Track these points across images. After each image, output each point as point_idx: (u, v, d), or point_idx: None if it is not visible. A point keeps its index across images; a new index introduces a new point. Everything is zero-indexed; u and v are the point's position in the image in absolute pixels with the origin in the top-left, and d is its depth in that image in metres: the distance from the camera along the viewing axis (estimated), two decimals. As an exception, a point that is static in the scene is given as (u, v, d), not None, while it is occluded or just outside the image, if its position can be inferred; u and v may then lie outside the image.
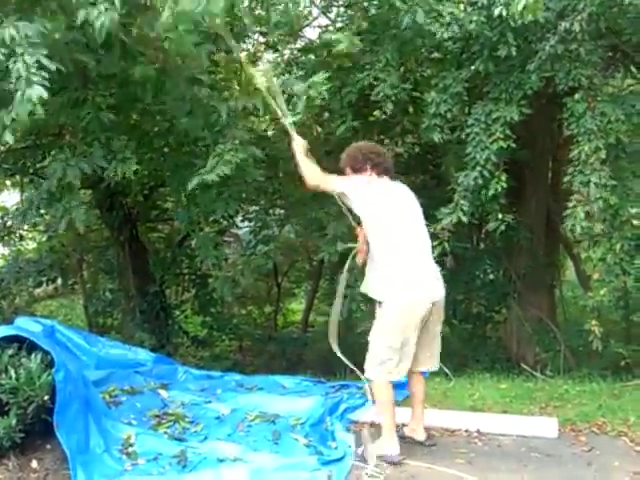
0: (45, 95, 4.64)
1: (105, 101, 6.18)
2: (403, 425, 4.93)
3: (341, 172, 4.93)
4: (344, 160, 4.90)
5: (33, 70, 4.63)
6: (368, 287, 4.77)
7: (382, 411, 4.70)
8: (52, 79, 4.83)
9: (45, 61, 4.72)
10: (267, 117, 8.95)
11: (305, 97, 5.69)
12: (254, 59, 8.74)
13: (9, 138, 5.02)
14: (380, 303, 4.64)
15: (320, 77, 5.84)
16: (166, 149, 7.78)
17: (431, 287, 4.65)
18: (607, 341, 7.60)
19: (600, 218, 6.37)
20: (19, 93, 4.67)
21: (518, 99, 6.75)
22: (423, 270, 4.67)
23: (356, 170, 4.79)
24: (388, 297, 4.58)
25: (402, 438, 4.80)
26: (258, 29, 8.00)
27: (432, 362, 4.87)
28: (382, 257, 4.63)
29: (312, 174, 4.87)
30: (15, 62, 4.66)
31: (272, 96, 5.21)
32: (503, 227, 7.07)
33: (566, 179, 6.58)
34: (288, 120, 5.14)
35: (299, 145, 4.95)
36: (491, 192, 6.76)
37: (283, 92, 5.49)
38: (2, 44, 4.70)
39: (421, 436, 4.90)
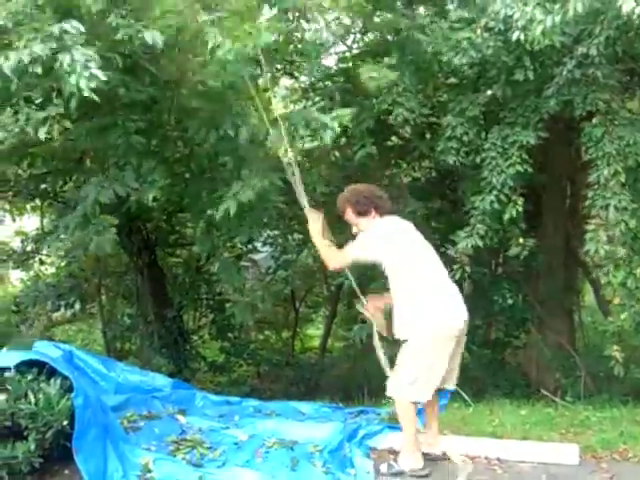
0: (93, 84, 4.68)
1: (135, 126, 6.25)
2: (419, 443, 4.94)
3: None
4: (344, 203, 4.97)
5: (82, 63, 4.68)
6: (402, 330, 4.75)
7: (406, 427, 4.72)
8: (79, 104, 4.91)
9: (95, 57, 4.77)
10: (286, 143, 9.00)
11: (333, 128, 5.72)
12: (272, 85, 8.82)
13: (42, 134, 5.07)
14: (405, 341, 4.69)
15: (347, 112, 5.87)
16: (187, 175, 7.83)
17: (460, 310, 4.73)
18: (627, 366, 7.52)
19: (620, 241, 6.35)
20: (68, 81, 4.69)
21: (535, 123, 6.77)
22: (450, 295, 4.76)
23: (360, 214, 4.88)
24: (423, 324, 4.60)
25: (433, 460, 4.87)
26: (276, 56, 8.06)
27: (452, 381, 4.91)
28: (413, 295, 4.67)
29: (330, 257, 4.99)
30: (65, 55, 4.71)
31: (294, 182, 5.39)
32: (526, 252, 7.06)
33: (586, 203, 6.57)
34: (305, 205, 5.30)
35: (315, 226, 5.07)
36: (507, 216, 6.76)
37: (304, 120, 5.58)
38: (50, 38, 4.74)
39: (437, 450, 4.95)
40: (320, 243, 5.03)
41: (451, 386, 4.95)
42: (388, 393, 4.80)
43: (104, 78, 4.72)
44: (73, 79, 4.64)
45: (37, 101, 5.71)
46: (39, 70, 4.74)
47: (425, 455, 4.82)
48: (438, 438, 5.01)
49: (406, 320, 4.70)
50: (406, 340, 4.68)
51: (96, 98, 4.74)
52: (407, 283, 4.69)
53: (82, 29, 4.81)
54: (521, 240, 7.03)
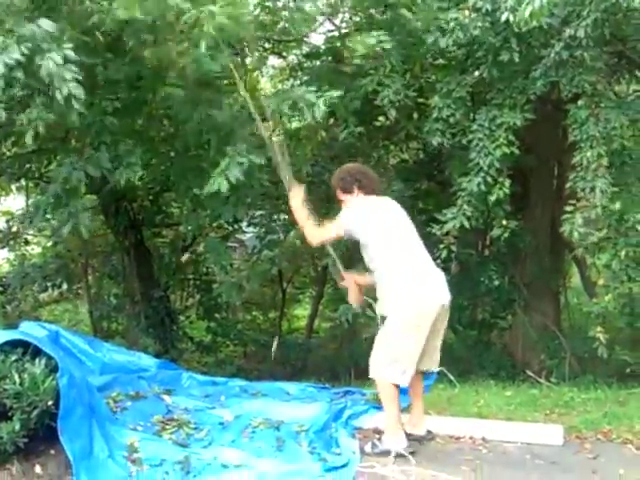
0: (83, 95, 4.67)
1: (112, 105, 6.19)
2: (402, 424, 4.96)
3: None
4: (334, 181, 5.14)
5: (61, 65, 4.65)
6: (384, 307, 4.81)
7: (387, 407, 4.75)
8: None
9: (72, 55, 4.74)
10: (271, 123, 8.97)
11: (319, 107, 5.69)
12: (259, 65, 8.79)
13: (29, 139, 5.05)
14: (383, 318, 4.76)
15: (334, 94, 5.84)
16: (172, 154, 7.78)
17: (440, 291, 4.75)
18: (612, 348, 7.58)
19: (604, 224, 6.37)
20: (57, 93, 4.69)
21: (522, 104, 6.76)
22: (430, 276, 4.78)
23: (345, 191, 5.01)
24: (400, 304, 4.64)
25: (418, 441, 4.91)
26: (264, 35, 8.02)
27: (433, 363, 4.94)
28: (391, 273, 4.71)
29: (312, 233, 5.09)
30: (42, 59, 4.67)
31: (280, 166, 5.50)
32: (507, 234, 7.07)
33: (568, 185, 6.58)
34: (287, 178, 5.44)
35: (296, 199, 5.19)
36: (494, 198, 6.77)
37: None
38: (24, 40, 4.70)
39: (422, 430, 4.99)
40: (301, 218, 5.14)
41: (434, 367, 4.97)
42: (370, 374, 4.81)
43: (82, 97, 4.71)
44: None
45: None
46: (20, 74, 4.72)
47: (409, 435, 4.84)
48: (423, 418, 5.04)
49: (385, 297, 4.75)
50: (386, 317, 4.72)
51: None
52: (386, 261, 4.72)
53: (53, 29, 4.78)
54: (504, 222, 7.04)
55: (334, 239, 5.16)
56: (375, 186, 5.03)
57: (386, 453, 4.68)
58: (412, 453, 4.68)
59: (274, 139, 5.40)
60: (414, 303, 4.61)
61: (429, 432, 5.02)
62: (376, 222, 4.78)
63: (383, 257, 4.73)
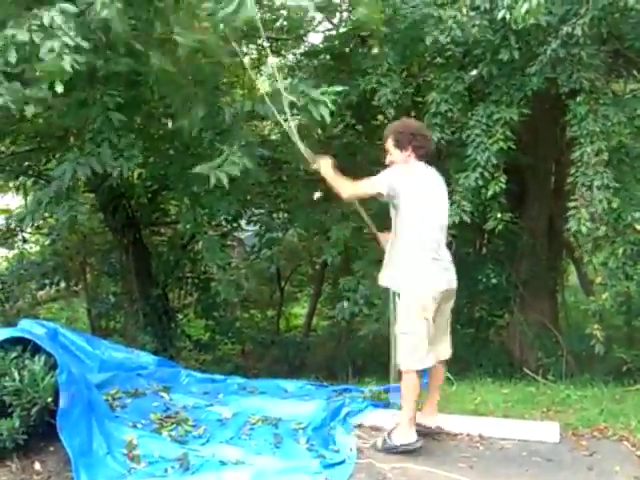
0: (69, 68, 4.63)
1: (113, 100, 6.19)
2: (437, 427, 5.05)
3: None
4: (389, 131, 4.93)
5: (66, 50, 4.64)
6: (385, 278, 4.89)
7: (406, 403, 4.75)
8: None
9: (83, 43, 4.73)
10: (270, 121, 8.99)
11: (322, 104, 5.69)
12: (258, 63, 8.79)
13: (29, 111, 5.03)
14: (398, 294, 4.77)
15: (338, 89, 5.84)
16: (171, 152, 7.79)
17: (448, 274, 4.79)
18: (609, 346, 7.60)
19: (603, 221, 6.39)
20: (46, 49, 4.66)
21: (519, 101, 6.78)
22: (442, 259, 4.77)
23: (397, 145, 4.82)
24: (408, 285, 4.67)
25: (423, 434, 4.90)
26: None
27: (448, 350, 5.01)
28: (409, 248, 4.70)
29: (345, 185, 4.92)
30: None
31: (299, 145, 5.29)
32: (501, 227, 7.11)
33: (569, 180, 6.60)
34: (304, 149, 5.23)
35: (325, 166, 5.01)
36: (490, 193, 6.79)
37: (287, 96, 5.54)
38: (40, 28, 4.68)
39: (432, 422, 5.01)
40: (333, 177, 4.95)
41: (447, 355, 5.02)
42: (401, 368, 4.80)
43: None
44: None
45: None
46: (13, 58, 4.71)
47: (417, 424, 4.84)
48: (434, 410, 5.08)
49: (400, 269, 4.74)
50: (397, 294, 4.77)
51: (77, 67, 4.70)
52: (414, 234, 4.68)
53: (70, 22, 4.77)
54: (499, 215, 7.06)
55: (370, 195, 4.89)
56: (428, 150, 4.88)
57: (394, 449, 4.70)
58: (418, 448, 4.68)
59: (291, 123, 5.27)
60: (422, 287, 4.62)
61: (439, 427, 5.05)
62: (418, 192, 4.67)
63: (413, 229, 4.67)
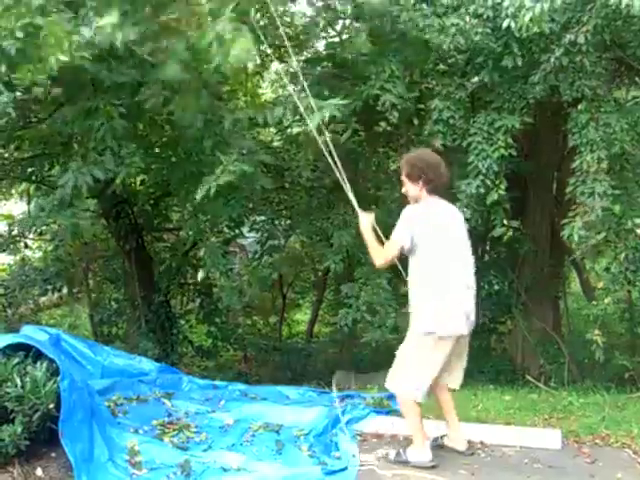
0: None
1: (116, 110, 6.21)
2: (443, 436, 5.00)
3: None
4: (403, 161, 4.92)
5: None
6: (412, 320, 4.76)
7: (407, 419, 4.76)
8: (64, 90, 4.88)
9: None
10: (272, 129, 9.02)
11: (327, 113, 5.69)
12: (262, 69, 8.82)
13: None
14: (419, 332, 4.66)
15: (340, 102, 5.83)
16: (174, 159, 7.81)
17: (466, 316, 4.68)
18: (611, 353, 7.60)
19: (604, 227, 6.40)
20: None
21: (520, 108, 6.80)
22: (461, 303, 4.68)
23: (410, 178, 4.78)
24: (424, 322, 4.61)
25: (441, 447, 4.91)
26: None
27: (458, 380, 4.94)
28: (425, 288, 4.65)
29: (376, 255, 4.84)
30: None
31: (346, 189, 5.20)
32: (510, 233, 7.10)
33: (569, 189, 6.61)
34: (353, 199, 5.15)
35: (365, 224, 4.90)
36: (490, 199, 6.80)
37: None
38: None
39: (461, 446, 4.95)
40: (370, 240, 4.86)
41: (453, 385, 4.93)
42: (388, 386, 4.78)
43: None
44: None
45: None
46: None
47: (444, 447, 4.89)
48: (460, 432, 4.99)
49: (414, 309, 4.70)
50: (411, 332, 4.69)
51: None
52: (424, 275, 4.64)
53: None
54: (505, 222, 7.06)
55: (397, 255, 4.80)
56: (441, 183, 4.81)
57: (406, 464, 4.67)
58: (433, 467, 4.64)
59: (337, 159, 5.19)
60: (435, 327, 4.55)
61: (469, 447, 4.97)
62: (427, 234, 4.62)
63: (424, 270, 4.64)
